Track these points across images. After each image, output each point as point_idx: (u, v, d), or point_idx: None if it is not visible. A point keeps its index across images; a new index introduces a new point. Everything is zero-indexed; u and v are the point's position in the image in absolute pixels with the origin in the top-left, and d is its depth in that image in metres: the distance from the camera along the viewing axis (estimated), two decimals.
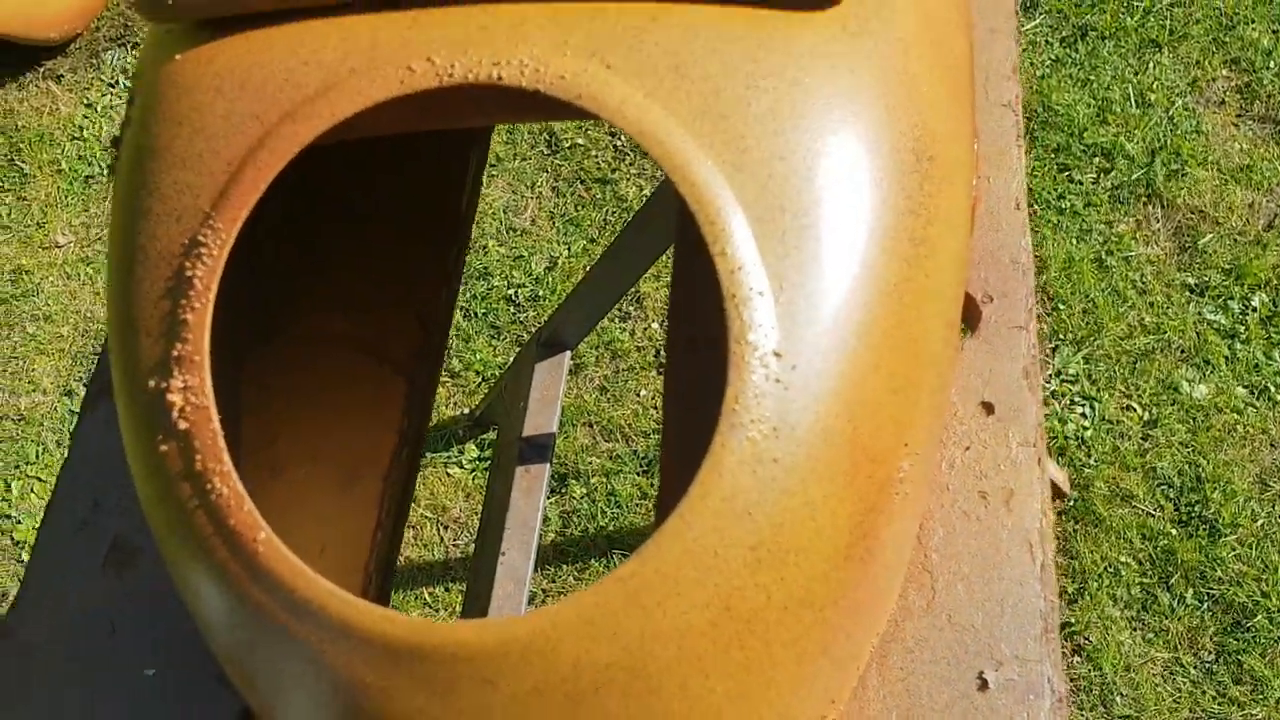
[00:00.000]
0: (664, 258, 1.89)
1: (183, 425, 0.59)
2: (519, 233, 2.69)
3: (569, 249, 2.64)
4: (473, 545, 2.19)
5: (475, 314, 2.56)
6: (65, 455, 0.92)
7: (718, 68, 0.60)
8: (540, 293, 2.59)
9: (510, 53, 0.60)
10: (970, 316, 0.84)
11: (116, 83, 2.95)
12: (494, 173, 2.75)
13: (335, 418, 0.86)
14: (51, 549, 0.84)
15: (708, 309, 0.58)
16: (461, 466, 2.37)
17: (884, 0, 0.66)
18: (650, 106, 0.59)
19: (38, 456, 2.37)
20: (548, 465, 2.04)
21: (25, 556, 2.22)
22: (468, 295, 2.57)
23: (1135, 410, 2.37)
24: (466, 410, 2.44)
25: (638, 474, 2.30)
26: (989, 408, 0.80)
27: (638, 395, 2.42)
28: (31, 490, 2.33)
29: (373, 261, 0.93)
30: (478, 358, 2.49)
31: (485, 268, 2.61)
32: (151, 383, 0.60)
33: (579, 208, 2.71)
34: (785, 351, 0.57)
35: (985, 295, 0.85)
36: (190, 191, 0.62)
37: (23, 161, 2.82)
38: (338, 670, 0.56)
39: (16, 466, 2.37)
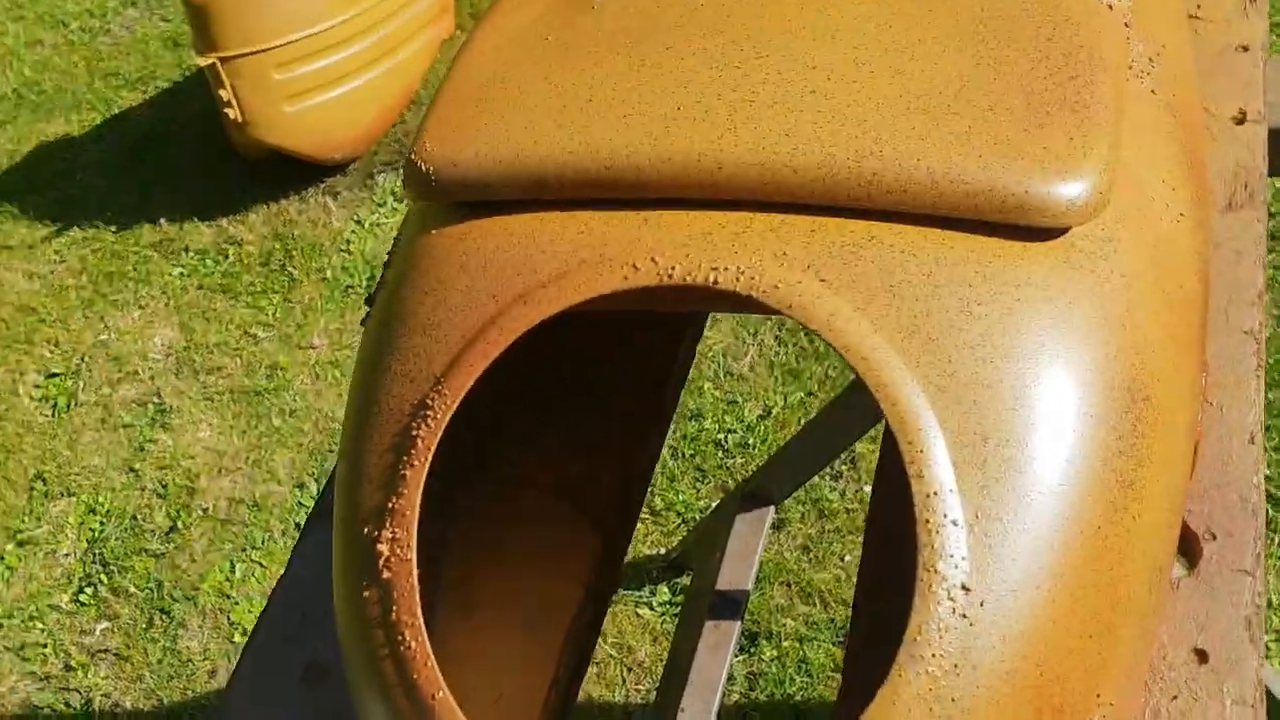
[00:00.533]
0: None
1: (385, 575, 0.63)
2: (736, 377, 2.72)
3: (785, 399, 2.65)
4: (654, 693, 2.17)
5: (683, 454, 2.58)
6: (286, 563, 0.98)
7: (931, 290, 0.61)
8: (751, 440, 2.59)
9: (729, 259, 0.63)
10: (1189, 554, 0.80)
11: (385, 203, 3.21)
12: (718, 316, 2.81)
13: (529, 564, 0.89)
14: (260, 653, 0.90)
15: (907, 510, 0.58)
16: (652, 608, 2.37)
17: (1110, 236, 0.65)
18: (859, 321, 0.60)
19: (263, 543, 2.53)
20: (738, 623, 2.02)
21: (237, 637, 2.36)
22: (677, 435, 2.60)
23: None
24: (663, 550, 2.45)
25: (833, 644, 2.24)
26: (1202, 656, 0.75)
27: (842, 560, 2.37)
28: (252, 574, 2.49)
29: (587, 421, 0.97)
30: (680, 498, 2.51)
31: (698, 409, 2.65)
32: (366, 529, 0.65)
33: (800, 359, 2.72)
34: (975, 586, 0.56)
35: (1208, 532, 0.80)
36: (426, 356, 0.67)
37: (293, 267, 3.08)
38: None
39: (243, 550, 2.53)
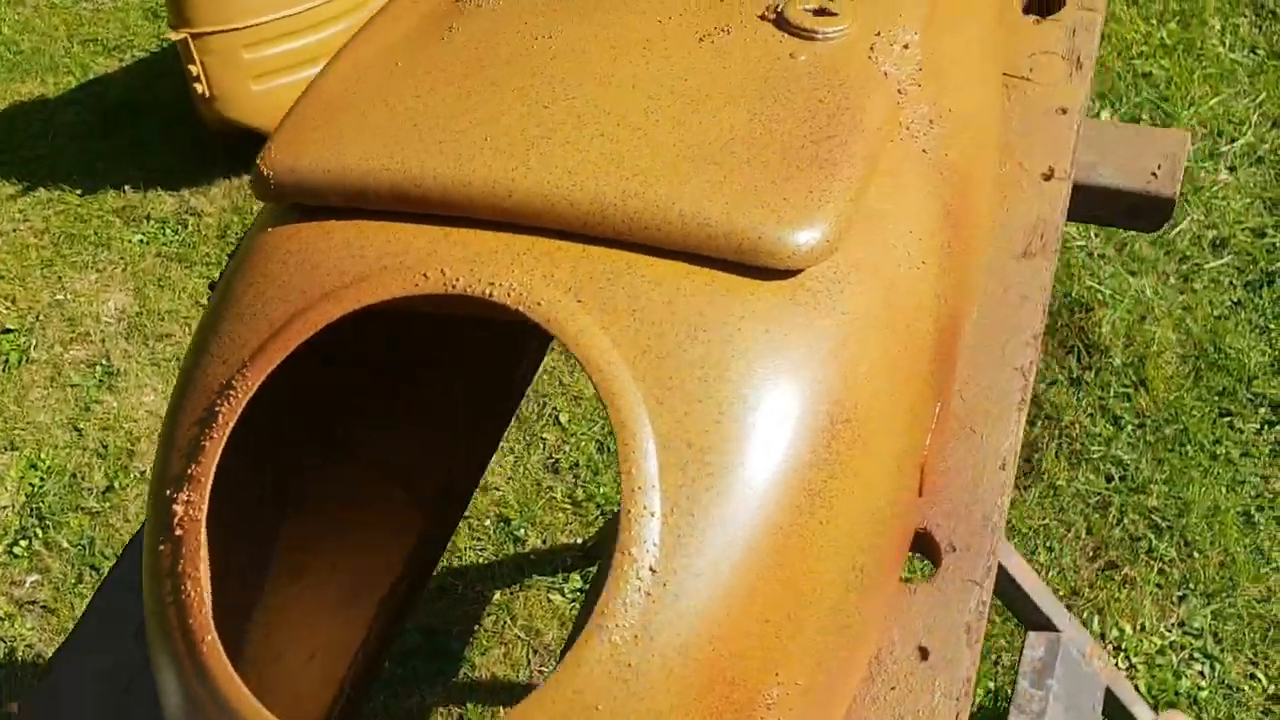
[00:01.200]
0: None
1: (179, 532, 0.71)
2: None
3: None
4: None
5: (608, 449, 2.68)
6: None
7: (668, 315, 0.70)
8: None
9: (505, 276, 0.72)
10: (933, 559, 0.89)
11: None
12: None
13: (358, 536, 0.98)
14: (104, 608, 0.99)
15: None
16: (563, 595, 2.46)
17: (839, 278, 0.74)
18: (602, 338, 0.69)
19: None
20: None
21: None
22: (606, 432, 2.69)
23: (1260, 681, 2.24)
24: (580, 540, 2.54)
25: None
26: (924, 653, 0.85)
27: None
28: None
29: (427, 416, 1.06)
30: (601, 491, 2.60)
31: None
32: (168, 492, 0.74)
33: None
34: (660, 569, 0.64)
35: (950, 545, 0.89)
36: (238, 341, 0.76)
37: None
38: None
39: None
